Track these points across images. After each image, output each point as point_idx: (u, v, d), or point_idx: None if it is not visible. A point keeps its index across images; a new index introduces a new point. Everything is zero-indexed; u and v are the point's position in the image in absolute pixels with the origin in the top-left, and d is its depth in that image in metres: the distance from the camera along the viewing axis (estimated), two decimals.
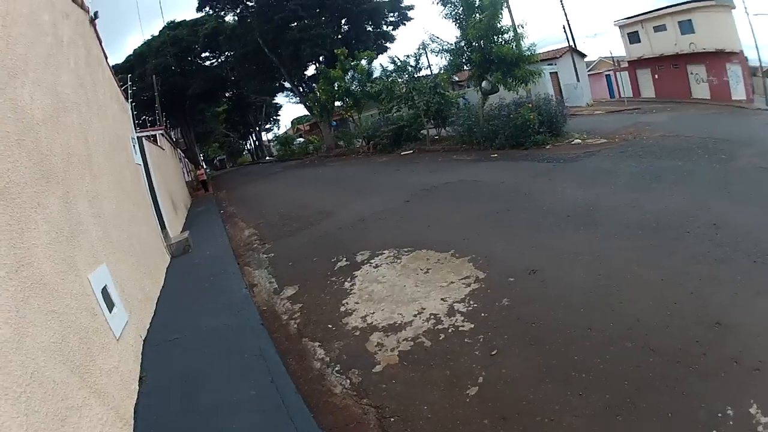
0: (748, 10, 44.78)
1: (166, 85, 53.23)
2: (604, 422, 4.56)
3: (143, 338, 7.28)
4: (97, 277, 6.00)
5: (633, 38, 53.52)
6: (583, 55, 53.79)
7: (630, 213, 10.51)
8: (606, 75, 63.79)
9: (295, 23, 49.13)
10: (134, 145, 13.79)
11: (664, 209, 10.42)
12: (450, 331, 6.58)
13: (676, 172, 13.92)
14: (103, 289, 6.07)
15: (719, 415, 4.36)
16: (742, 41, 45.58)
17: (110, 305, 6.13)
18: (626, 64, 56.80)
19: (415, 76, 34.07)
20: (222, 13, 54.54)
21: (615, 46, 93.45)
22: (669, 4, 48.89)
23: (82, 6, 9.99)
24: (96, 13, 11.06)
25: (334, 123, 54.75)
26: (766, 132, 22.83)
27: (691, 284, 6.76)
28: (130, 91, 18.57)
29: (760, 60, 46.35)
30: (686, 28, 46.53)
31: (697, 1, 45.00)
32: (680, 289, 6.66)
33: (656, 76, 51.83)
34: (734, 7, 44.75)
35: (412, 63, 33.87)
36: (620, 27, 54.91)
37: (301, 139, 70.38)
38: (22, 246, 4.30)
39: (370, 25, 55.11)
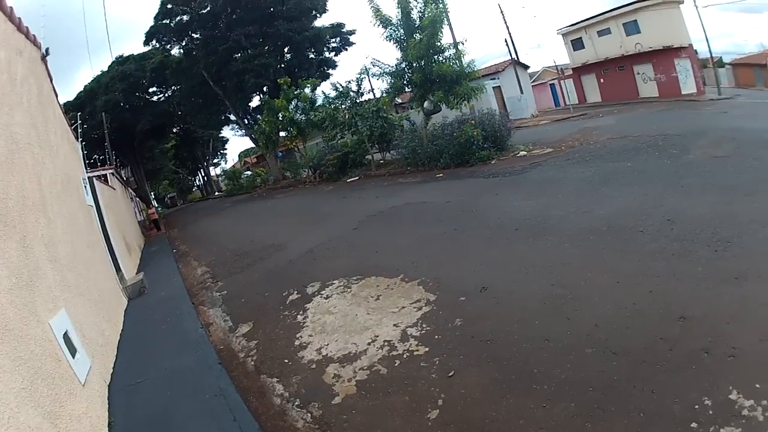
0: (697, 2, 45.69)
1: (116, 122, 52.53)
2: (573, 431, 4.56)
3: (107, 383, 7.21)
4: (57, 323, 5.95)
5: (577, 45, 54.63)
6: (526, 67, 54.64)
7: (580, 219, 10.59)
8: (550, 84, 64.96)
9: (239, 54, 49.27)
10: (85, 186, 13.61)
11: (616, 211, 10.53)
12: (405, 356, 6.58)
13: (625, 173, 14.10)
14: (64, 334, 6.01)
15: (696, 407, 4.38)
16: (691, 34, 46.60)
17: (73, 351, 6.07)
18: (570, 72, 57.57)
19: (358, 101, 34.24)
20: (168, 46, 54.39)
21: (559, 55, 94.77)
22: (613, 7, 49.81)
23: (34, 42, 9.88)
24: (47, 50, 10.94)
25: (280, 154, 54.72)
26: (719, 122, 23.39)
27: (649, 283, 6.81)
28: (80, 130, 18.41)
29: (710, 51, 48.24)
30: (632, 29, 47.68)
31: (643, 1, 45.99)
32: (638, 289, 6.71)
33: (602, 80, 52.90)
34: (682, 2, 46.13)
35: (354, 88, 34.02)
36: (563, 35, 56.11)
37: (249, 172, 70.12)
38: None
39: (313, 52, 55.35)
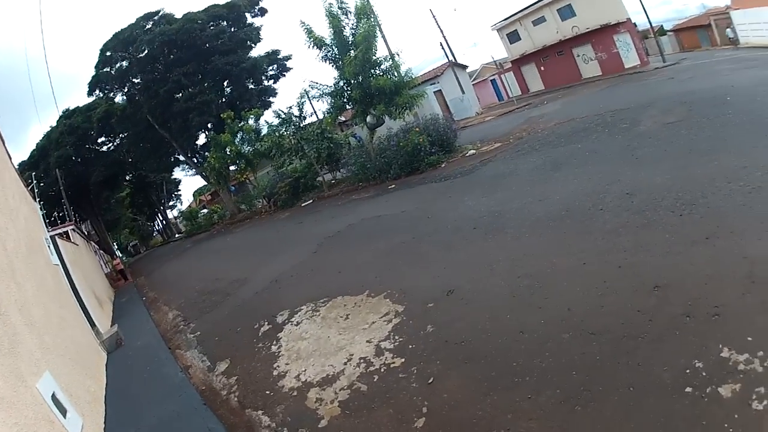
0: None
1: (70, 177, 52.39)
2: (563, 417, 4.59)
3: None
4: (44, 385, 5.98)
5: (513, 38, 55.63)
6: (465, 67, 55.50)
7: (537, 208, 10.72)
8: (491, 80, 65.64)
9: (180, 93, 49.17)
10: (49, 246, 13.52)
11: (572, 194, 10.68)
12: (382, 370, 6.63)
13: (577, 155, 14.30)
14: (52, 395, 6.04)
15: (687, 371, 4.45)
16: (629, 8, 47.29)
17: (63, 411, 6.10)
18: (509, 65, 58.19)
19: (301, 125, 34.28)
20: (111, 94, 53.88)
21: (496, 50, 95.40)
22: None
23: None
24: None
25: (233, 188, 54.80)
26: (667, 89, 23.80)
27: (616, 259, 6.93)
28: (36, 190, 18.35)
29: (650, 21, 48.96)
30: (566, 13, 48.65)
31: None
32: (606, 267, 6.82)
33: (542, 68, 53.72)
34: None
35: (296, 113, 34.03)
36: (498, 30, 57.00)
37: (205, 210, 69.76)
38: None
39: (252, 83, 55.27)
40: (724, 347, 4.51)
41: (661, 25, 68.78)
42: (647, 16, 47.83)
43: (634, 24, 49.57)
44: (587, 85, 42.52)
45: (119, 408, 8.67)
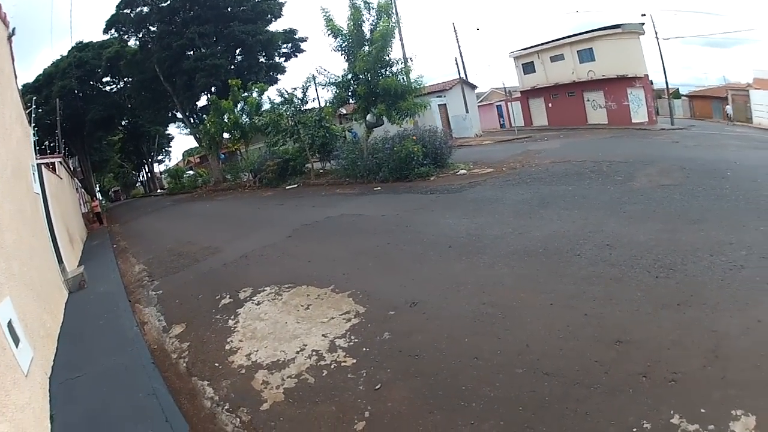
0: (659, 34, 46.38)
1: (68, 109, 52.28)
2: None
3: (48, 375, 7.29)
4: (2, 311, 6.01)
5: (528, 68, 55.15)
6: (474, 87, 55.18)
7: (515, 240, 10.74)
8: (497, 105, 65.23)
9: (192, 51, 49.03)
10: (34, 173, 13.55)
11: (553, 234, 10.69)
12: (333, 366, 6.68)
13: (566, 197, 14.29)
14: (8, 323, 6.06)
15: (634, 430, 4.42)
16: (650, 65, 47.26)
17: (16, 340, 6.12)
18: (518, 95, 57.95)
19: (302, 109, 34.42)
20: (126, 37, 53.60)
21: (508, 77, 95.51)
22: (569, 34, 50.34)
23: (3, 20, 9.84)
24: (14, 30, 10.89)
25: (223, 156, 54.51)
26: (669, 151, 23.82)
27: (584, 306, 6.92)
28: (33, 115, 18.25)
29: (666, 82, 49.55)
30: (586, 56, 48.35)
31: (602, 30, 46.73)
32: (573, 312, 6.80)
33: (550, 105, 53.38)
34: (643, 33, 47.07)
35: (299, 96, 34.14)
36: (515, 58, 56.57)
37: (191, 172, 69.35)
38: None
39: (264, 57, 55.11)
40: (675, 414, 4.51)
41: (677, 89, 69.25)
42: (665, 76, 48.22)
43: (651, 81, 49.52)
44: (591, 131, 42.41)
45: (70, 349, 8.74)
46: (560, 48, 51.19)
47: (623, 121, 45.87)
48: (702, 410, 4.50)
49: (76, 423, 6.09)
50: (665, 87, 51.34)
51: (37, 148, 19.52)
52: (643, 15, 50.92)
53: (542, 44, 53.29)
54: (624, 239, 9.62)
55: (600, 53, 47.39)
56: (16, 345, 6.09)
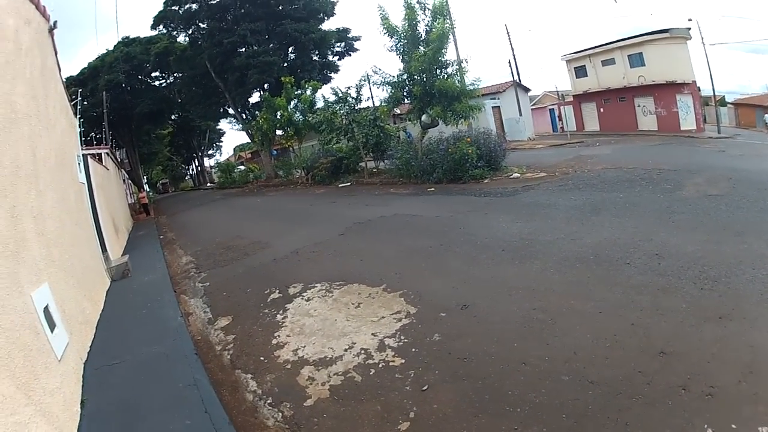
0: (705, 40, 45.85)
1: (116, 103, 52.78)
2: None
3: (83, 361, 7.21)
4: (39, 296, 5.96)
5: (580, 72, 54.89)
6: (527, 90, 54.61)
7: (567, 246, 10.52)
8: (550, 109, 64.98)
9: (244, 48, 49.26)
10: (79, 163, 13.61)
11: (604, 241, 10.47)
12: (380, 366, 6.56)
13: (617, 204, 14.05)
14: (45, 308, 6.02)
15: None
16: (696, 71, 46.75)
17: (52, 325, 6.08)
18: (571, 99, 57.61)
19: (356, 107, 34.16)
20: (175, 33, 54.21)
21: (561, 81, 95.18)
22: (620, 38, 49.89)
23: (43, 14, 9.84)
24: (55, 23, 10.87)
25: (275, 152, 54.83)
26: (716, 160, 23.42)
27: (632, 315, 6.76)
28: (79, 107, 18.33)
29: (713, 90, 48.58)
30: (636, 61, 47.99)
31: (651, 34, 46.27)
32: (620, 321, 6.65)
33: (601, 110, 53.06)
34: (690, 38, 46.44)
35: (353, 94, 33.90)
36: (567, 61, 56.36)
37: (242, 167, 69.89)
38: None
39: (317, 55, 55.08)
40: (708, 428, 4.44)
41: (723, 96, 68.30)
42: (712, 83, 47.55)
43: (698, 88, 48.91)
44: (641, 137, 42.09)
45: (109, 336, 8.68)
46: (611, 52, 50.94)
47: (672, 127, 45.46)
48: (733, 426, 4.47)
49: (109, 409, 5.99)
50: (712, 94, 50.44)
51: (84, 139, 19.55)
52: (690, 20, 50.26)
53: (594, 48, 53.12)
54: (672, 249, 9.41)
55: (650, 58, 47.07)
56: (52, 330, 6.03)
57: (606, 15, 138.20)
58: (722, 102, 64.50)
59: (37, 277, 6.25)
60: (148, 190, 63.96)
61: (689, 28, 47.08)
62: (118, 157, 45.46)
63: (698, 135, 42.47)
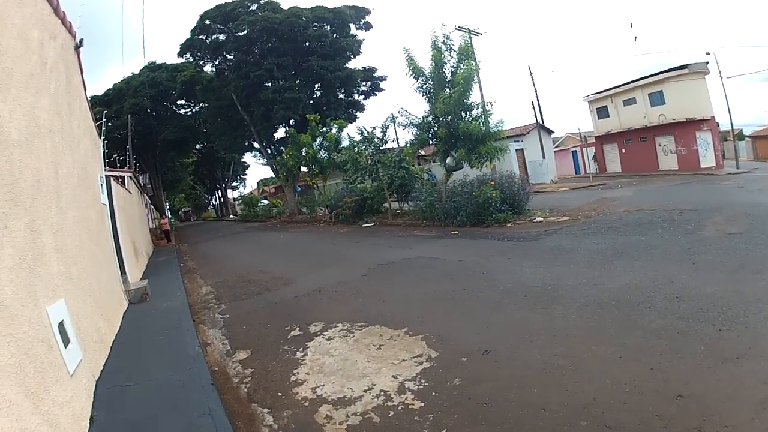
0: (722, 73, 45.83)
1: (140, 127, 53.50)
2: None
3: (96, 379, 7.18)
4: (55, 311, 5.96)
5: (602, 113, 55.30)
6: (551, 132, 54.84)
7: (590, 291, 10.45)
8: (572, 151, 65.15)
9: (270, 83, 49.76)
10: (102, 184, 13.68)
11: (626, 286, 10.40)
12: (400, 408, 6.40)
13: (638, 247, 14.03)
14: (60, 323, 6.02)
15: None
16: (714, 106, 47.13)
17: (66, 341, 6.07)
18: (593, 140, 57.67)
19: (381, 148, 34.32)
20: (202, 62, 54.98)
21: (583, 122, 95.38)
22: (640, 77, 50.39)
23: (69, 30, 9.89)
24: (81, 41, 10.92)
25: (299, 188, 55.32)
26: (735, 197, 23.43)
27: (651, 360, 6.70)
28: (104, 128, 18.46)
29: (731, 124, 49.09)
30: (657, 99, 48.14)
31: (670, 71, 46.41)
32: (640, 366, 6.59)
33: (623, 150, 53.37)
34: (708, 72, 46.69)
35: (379, 135, 34.08)
36: (589, 102, 56.81)
37: (266, 201, 70.40)
38: None
39: (343, 93, 55.59)
40: None
41: (741, 130, 68.08)
42: (730, 117, 47.77)
43: (717, 124, 49.11)
44: (662, 177, 41.99)
45: (124, 358, 8.65)
46: (632, 91, 51.19)
47: (692, 166, 45.51)
48: None
49: (119, 429, 5.93)
50: (730, 128, 50.59)
51: (107, 161, 19.69)
52: (708, 53, 50.24)
53: (615, 87, 53.47)
54: (692, 291, 9.37)
55: (669, 96, 47.15)
56: (65, 345, 6.03)
57: (625, 54, 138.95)
58: (740, 136, 64.27)
59: (53, 292, 6.24)
60: (169, 216, 64.39)
61: (707, 62, 47.39)
62: (141, 181, 45.92)
63: (717, 172, 42.45)
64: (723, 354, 6.49)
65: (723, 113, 62.41)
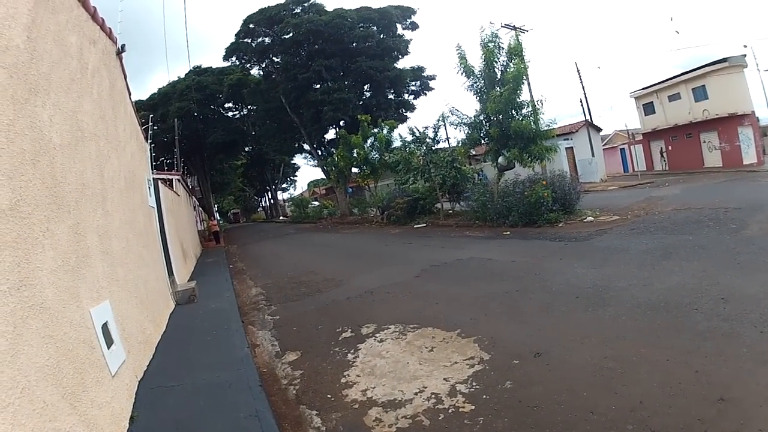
0: (760, 66, 44.95)
1: (187, 130, 54.10)
2: None
3: (139, 379, 7.24)
4: (98, 312, 6.02)
5: (648, 109, 54.57)
6: (599, 129, 54.30)
7: (640, 292, 10.32)
8: (621, 149, 64.06)
9: (319, 85, 49.92)
10: (149, 187, 13.85)
11: (674, 287, 10.29)
12: (450, 411, 6.31)
13: (686, 247, 13.87)
14: (103, 324, 6.08)
15: None
16: (753, 100, 46.27)
17: (109, 342, 6.13)
18: (641, 137, 56.73)
19: (433, 148, 34.13)
20: (248, 65, 55.49)
21: (630, 118, 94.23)
22: (683, 71, 49.72)
23: (110, 36, 9.95)
24: (123, 46, 10.97)
25: (350, 190, 55.46)
26: None
27: (696, 363, 6.64)
28: (150, 132, 18.61)
29: None
30: (700, 94, 47.28)
31: (711, 65, 45.71)
32: (685, 369, 6.53)
33: (669, 147, 52.49)
34: (746, 66, 45.65)
35: (431, 135, 34.02)
36: (636, 98, 56.05)
37: (316, 203, 70.61)
38: (27, 266, 4.32)
39: (392, 93, 55.47)
40: None
41: None
42: None
43: (757, 118, 47.94)
44: (707, 174, 41.26)
45: (169, 359, 8.73)
46: (676, 86, 50.40)
47: (736, 162, 44.72)
48: None
49: (160, 429, 5.97)
50: None
51: (155, 164, 19.87)
52: (745, 46, 49.41)
53: (659, 83, 52.63)
54: (737, 292, 9.23)
55: (712, 90, 46.35)
56: (108, 346, 6.09)
57: (665, 48, 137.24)
58: None
59: (98, 293, 6.32)
60: (218, 218, 64.84)
61: (744, 55, 46.70)
62: (189, 184, 46.17)
63: (759, 168, 41.24)
64: (763, 357, 6.44)
65: (761, 107, 60.89)
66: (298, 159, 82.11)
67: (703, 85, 46.94)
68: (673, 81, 50.41)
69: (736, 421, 5.12)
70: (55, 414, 4.12)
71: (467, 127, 27.51)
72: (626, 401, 5.91)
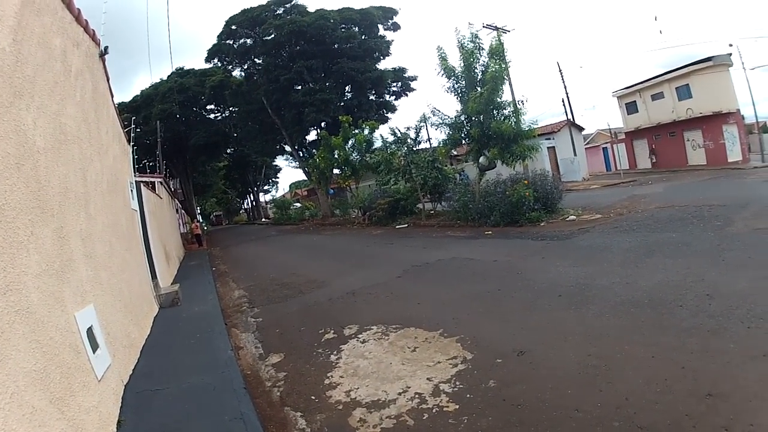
0: (745, 65, 45.18)
1: (170, 132, 54.05)
2: None
3: (125, 383, 7.23)
4: (83, 316, 6.00)
5: (631, 108, 55.08)
6: (581, 129, 54.58)
7: (623, 290, 10.39)
8: (603, 148, 64.43)
9: (300, 86, 49.94)
10: (132, 190, 13.83)
11: (658, 284, 10.35)
12: (434, 411, 6.36)
13: (670, 244, 13.97)
14: (88, 329, 6.08)
15: None
16: (738, 99, 46.60)
17: (94, 346, 6.12)
18: (623, 136, 57.43)
19: (414, 149, 34.24)
20: (230, 67, 55.30)
21: (613, 118, 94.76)
22: (666, 70, 50.04)
23: (93, 38, 9.93)
24: (106, 48, 10.93)
25: (332, 191, 55.33)
26: (763, 190, 23.46)
27: (682, 359, 6.67)
28: (133, 134, 18.58)
29: (756, 116, 47.86)
30: (683, 93, 47.77)
31: (695, 64, 46.06)
32: (671, 365, 6.55)
33: (653, 146, 52.86)
34: (731, 65, 45.99)
35: (412, 135, 34.11)
36: (618, 98, 56.66)
37: (298, 204, 70.59)
38: (12, 271, 4.30)
39: (374, 94, 55.61)
40: None
41: (765, 122, 67.12)
42: (755, 110, 46.90)
43: (742, 117, 48.40)
44: (691, 172, 41.67)
45: (154, 362, 8.73)
46: (659, 86, 50.90)
47: (720, 160, 45.21)
48: None
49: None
50: (755, 121, 49.70)
51: (137, 166, 19.81)
52: (730, 45, 49.73)
53: (642, 82, 53.15)
54: (722, 289, 9.33)
55: (696, 89, 46.85)
56: (94, 351, 6.08)
57: (649, 47, 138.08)
58: (765, 129, 63.18)
59: (82, 297, 6.31)
60: (201, 221, 64.73)
61: (730, 54, 46.90)
62: (171, 186, 46.09)
63: (744, 166, 41.94)
64: (751, 352, 6.47)
65: (747, 106, 61.27)
66: (279, 161, 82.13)
67: (687, 84, 47.34)
68: (656, 80, 50.93)
69: (725, 416, 5.14)
70: (44, 419, 4.12)
71: (448, 128, 27.66)
72: (612, 398, 5.94)
